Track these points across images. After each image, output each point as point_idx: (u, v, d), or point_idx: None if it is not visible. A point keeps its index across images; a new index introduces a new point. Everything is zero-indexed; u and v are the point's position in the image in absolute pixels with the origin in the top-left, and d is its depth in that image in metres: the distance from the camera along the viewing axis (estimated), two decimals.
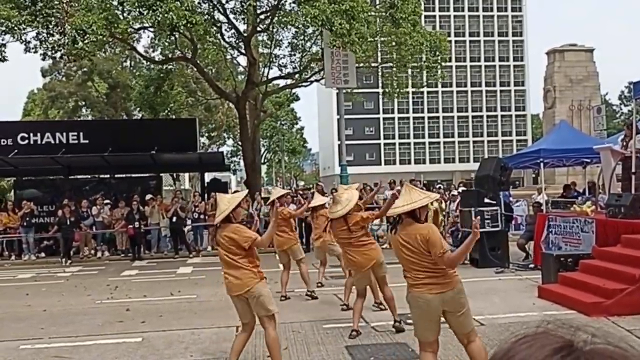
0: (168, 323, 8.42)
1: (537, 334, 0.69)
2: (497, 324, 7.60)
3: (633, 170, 10.68)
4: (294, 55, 24.99)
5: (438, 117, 75.56)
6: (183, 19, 15.19)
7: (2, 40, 16.65)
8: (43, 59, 17.90)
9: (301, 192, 19.87)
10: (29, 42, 16.99)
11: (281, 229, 9.51)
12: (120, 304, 10.09)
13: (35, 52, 17.11)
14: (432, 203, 16.70)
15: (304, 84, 25.04)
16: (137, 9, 15.23)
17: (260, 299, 5.65)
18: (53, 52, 16.56)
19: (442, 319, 4.97)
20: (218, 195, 6.33)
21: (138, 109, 33.36)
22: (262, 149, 46.64)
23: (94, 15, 14.94)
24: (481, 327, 7.48)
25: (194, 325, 8.16)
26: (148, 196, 18.27)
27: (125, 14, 16.08)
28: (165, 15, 14.80)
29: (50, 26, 15.63)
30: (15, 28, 15.51)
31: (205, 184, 22.83)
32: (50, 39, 15.95)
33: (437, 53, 21.68)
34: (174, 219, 17.41)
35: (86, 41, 14.79)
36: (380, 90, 26.70)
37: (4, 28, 15.49)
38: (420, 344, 5.06)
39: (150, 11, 14.94)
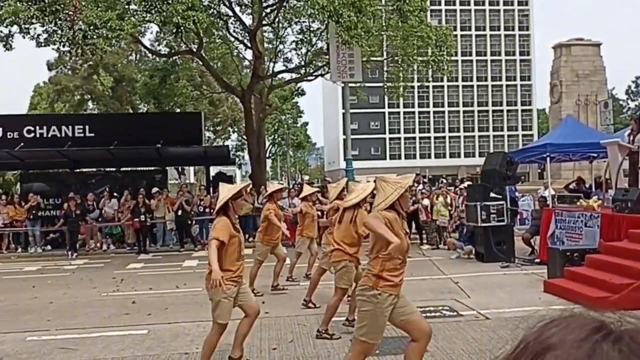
0: (174, 316, 8.45)
1: (566, 317, 0.66)
2: (503, 318, 7.60)
3: None
4: (300, 49, 24.94)
5: (444, 112, 75.31)
6: (189, 19, 15.20)
7: (9, 31, 16.66)
8: (57, 50, 17.81)
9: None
10: (39, 35, 16.98)
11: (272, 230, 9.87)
12: (126, 296, 10.12)
13: (47, 45, 17.08)
14: (437, 197, 16.69)
15: (309, 78, 24.99)
16: (144, 11, 15.24)
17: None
18: (62, 45, 16.55)
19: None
20: (220, 184, 6.26)
21: (143, 102, 33.38)
22: (267, 143, 46.59)
23: (103, 9, 14.91)
24: (487, 321, 7.49)
25: (199, 318, 8.17)
26: (154, 190, 18.32)
27: (131, 12, 16.06)
28: (171, 17, 14.80)
29: (59, 22, 15.61)
30: (24, 24, 15.50)
31: (211, 178, 22.85)
32: (60, 32, 15.93)
33: (443, 48, 21.54)
34: (180, 212, 17.47)
35: (98, 36, 14.76)
36: (385, 84, 26.50)
37: (8, 22, 15.48)
38: None
39: (157, 13, 14.94)
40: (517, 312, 7.89)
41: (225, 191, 5.73)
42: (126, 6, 16.04)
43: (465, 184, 17.32)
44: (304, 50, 24.44)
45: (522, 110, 76.25)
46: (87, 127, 19.90)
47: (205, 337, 7.18)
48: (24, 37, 16.70)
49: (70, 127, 19.71)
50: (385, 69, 26.09)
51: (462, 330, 6.91)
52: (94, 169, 21.20)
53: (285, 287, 10.14)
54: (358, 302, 4.76)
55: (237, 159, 45.80)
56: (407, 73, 24.89)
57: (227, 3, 20.60)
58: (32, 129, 19.50)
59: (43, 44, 17.04)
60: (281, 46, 25.69)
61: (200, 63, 23.46)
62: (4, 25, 15.78)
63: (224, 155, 22.95)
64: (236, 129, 44.96)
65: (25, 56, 40.18)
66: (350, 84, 21.40)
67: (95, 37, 14.75)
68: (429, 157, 74.85)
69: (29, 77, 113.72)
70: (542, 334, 0.65)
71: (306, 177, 47.89)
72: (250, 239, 14.69)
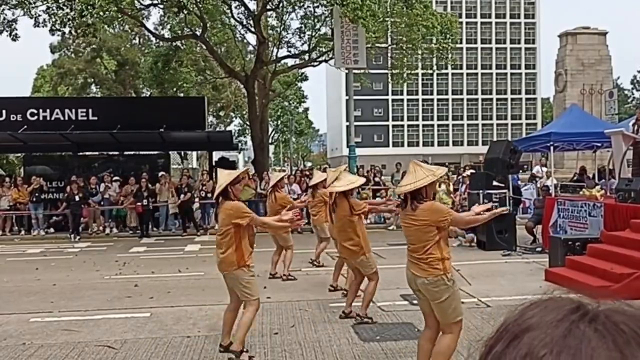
0: (176, 299, 8.50)
1: (546, 300, 0.68)
2: (503, 305, 7.63)
3: None
4: (304, 34, 24.80)
5: (447, 100, 75.09)
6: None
7: (13, 15, 16.56)
8: (52, 34, 17.70)
9: (307, 173, 19.88)
10: (39, 16, 16.88)
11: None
12: (129, 279, 10.18)
13: (45, 26, 16.99)
14: (439, 185, 16.69)
15: (313, 63, 24.88)
16: None
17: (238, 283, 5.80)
18: (62, 26, 16.45)
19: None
20: (219, 170, 6.36)
21: (147, 86, 33.30)
22: (270, 129, 46.56)
23: None
24: (487, 309, 7.52)
25: (201, 302, 8.23)
26: (160, 174, 18.34)
27: None
28: None
29: (60, 0, 15.51)
30: (25, 2, 15.41)
31: (213, 163, 22.85)
32: (60, 12, 15.82)
33: (448, 36, 21.38)
34: (183, 197, 17.52)
35: (94, 15, 14.67)
36: (389, 71, 26.39)
37: (14, 2, 15.41)
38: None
39: None
40: (518, 300, 7.79)
41: (225, 176, 5.75)
42: None
43: (468, 172, 17.30)
44: (308, 36, 24.32)
45: (527, 99, 75.99)
46: (90, 110, 19.87)
47: (206, 321, 7.26)
48: (24, 14, 16.52)
49: (73, 111, 19.68)
50: (389, 55, 25.95)
51: (463, 317, 6.92)
52: (97, 153, 21.18)
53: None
54: (431, 292, 4.79)
55: (239, 145, 45.81)
56: (412, 60, 24.75)
57: None
58: (36, 111, 19.48)
59: (42, 25, 16.92)
60: (285, 32, 25.58)
61: (204, 47, 23.34)
62: (8, 7, 15.68)
63: (226, 141, 22.92)
64: (239, 115, 44.91)
65: (28, 38, 40.06)
66: (354, 71, 21.28)
67: (90, 16, 14.63)
68: (432, 144, 74.77)
69: (32, 60, 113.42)
70: (521, 316, 0.67)
71: (309, 164, 47.70)
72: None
